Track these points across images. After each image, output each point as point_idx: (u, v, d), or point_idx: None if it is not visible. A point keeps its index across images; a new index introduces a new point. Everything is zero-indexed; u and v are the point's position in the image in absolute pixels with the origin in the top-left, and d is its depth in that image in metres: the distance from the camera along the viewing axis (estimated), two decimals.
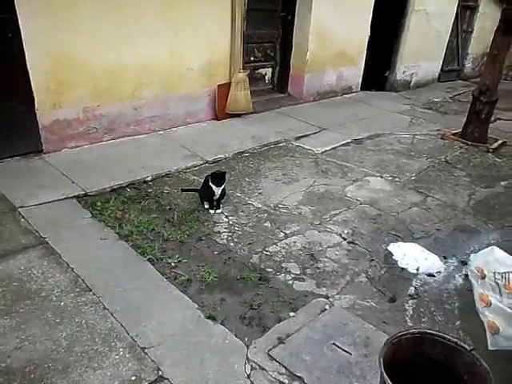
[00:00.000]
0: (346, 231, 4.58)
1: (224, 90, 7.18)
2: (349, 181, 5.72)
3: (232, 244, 4.26)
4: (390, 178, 5.84)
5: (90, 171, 5.36)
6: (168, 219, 4.58)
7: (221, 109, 7.31)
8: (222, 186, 4.65)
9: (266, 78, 8.78)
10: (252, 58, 8.22)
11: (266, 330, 3.23)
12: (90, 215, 4.53)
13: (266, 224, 4.63)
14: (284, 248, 4.25)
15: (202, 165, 5.86)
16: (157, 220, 4.54)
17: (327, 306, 3.49)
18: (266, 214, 4.81)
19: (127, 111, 6.28)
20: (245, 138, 6.74)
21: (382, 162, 6.38)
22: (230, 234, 4.42)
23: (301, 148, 6.67)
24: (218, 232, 4.45)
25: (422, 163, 6.38)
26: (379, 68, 10.84)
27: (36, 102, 5.38)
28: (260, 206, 4.99)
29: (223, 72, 7.19)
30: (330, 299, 3.60)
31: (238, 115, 7.55)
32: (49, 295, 3.35)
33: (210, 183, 4.60)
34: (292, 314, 3.41)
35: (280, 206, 5.01)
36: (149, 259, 3.91)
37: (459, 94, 11.22)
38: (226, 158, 6.11)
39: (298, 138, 7.01)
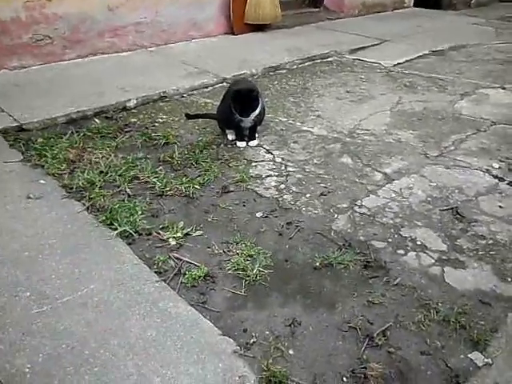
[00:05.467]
0: (495, 164, 2.45)
1: None
2: (454, 95, 3.55)
3: (288, 197, 2.17)
4: None
5: (35, 95, 3.25)
6: (163, 159, 2.50)
7: (238, 17, 5.09)
8: (254, 114, 2.54)
9: None
10: None
11: None
12: (21, 157, 2.46)
13: (343, 160, 2.51)
14: (393, 199, 2.14)
15: (216, 84, 3.71)
16: (143, 162, 2.45)
17: None
18: (338, 145, 2.68)
19: (98, 13, 4.11)
20: (277, 51, 4.55)
21: (491, 71, 4.18)
22: (282, 179, 2.31)
23: (361, 62, 4.47)
24: (259, 176, 2.35)
25: None
26: None
27: None
28: (324, 132, 2.85)
29: None
30: None
31: (262, 29, 5.33)
32: None
33: (233, 111, 2.49)
34: (479, 357, 1.33)
35: (359, 131, 2.88)
36: (122, 233, 1.84)
37: None
38: (253, 76, 3.95)
39: (353, 51, 4.80)
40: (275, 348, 1.34)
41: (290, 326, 1.44)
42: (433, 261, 1.74)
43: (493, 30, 6.26)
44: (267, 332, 1.41)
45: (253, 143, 2.67)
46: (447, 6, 8.72)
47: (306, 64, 4.35)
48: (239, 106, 2.49)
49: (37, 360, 1.25)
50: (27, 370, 1.22)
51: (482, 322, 1.46)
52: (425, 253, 1.79)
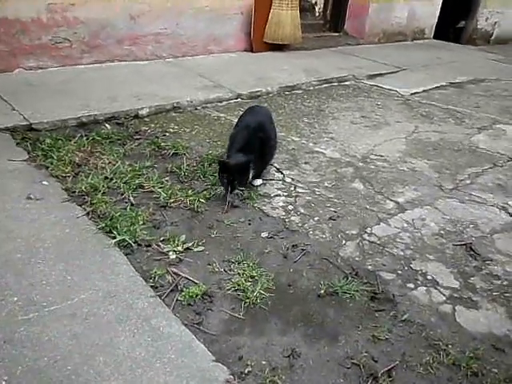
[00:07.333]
0: (511, 202, 2.36)
1: (263, 5, 4.97)
2: (471, 128, 3.48)
3: (296, 218, 2.09)
4: None
5: (48, 96, 3.23)
6: (171, 170, 2.43)
7: (258, 35, 5.10)
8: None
9: (317, 9, 6.51)
10: None
11: None
12: (26, 156, 2.41)
13: (354, 185, 2.44)
14: (405, 229, 2.05)
15: (230, 99, 3.67)
16: (150, 171, 2.40)
17: None
18: (351, 169, 2.61)
19: (119, 20, 4.12)
20: (294, 71, 4.53)
21: (509, 107, 4.12)
22: (291, 200, 2.24)
23: (379, 88, 4.43)
24: (267, 195, 2.28)
25: None
26: (452, 16, 8.49)
27: None
28: (337, 155, 2.79)
29: None
30: None
31: (281, 48, 5.33)
32: None
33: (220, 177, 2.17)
34: None
35: (373, 156, 2.81)
36: (121, 243, 1.76)
37: None
38: (268, 94, 3.92)
39: (371, 77, 4.77)
40: (271, 381, 1.24)
41: (288, 357, 1.34)
42: (444, 298, 1.65)
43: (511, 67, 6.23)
44: (264, 362, 1.32)
45: (257, 183, 2.36)
46: (467, 41, 8.74)
47: (323, 86, 4.32)
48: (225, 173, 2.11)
49: (15, 372, 1.17)
50: (3, 382, 1.14)
51: (495, 370, 1.36)
52: (436, 289, 1.69)
